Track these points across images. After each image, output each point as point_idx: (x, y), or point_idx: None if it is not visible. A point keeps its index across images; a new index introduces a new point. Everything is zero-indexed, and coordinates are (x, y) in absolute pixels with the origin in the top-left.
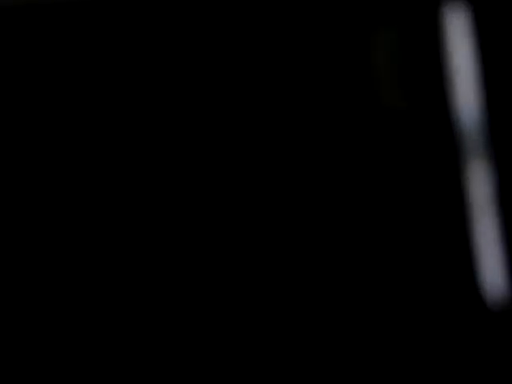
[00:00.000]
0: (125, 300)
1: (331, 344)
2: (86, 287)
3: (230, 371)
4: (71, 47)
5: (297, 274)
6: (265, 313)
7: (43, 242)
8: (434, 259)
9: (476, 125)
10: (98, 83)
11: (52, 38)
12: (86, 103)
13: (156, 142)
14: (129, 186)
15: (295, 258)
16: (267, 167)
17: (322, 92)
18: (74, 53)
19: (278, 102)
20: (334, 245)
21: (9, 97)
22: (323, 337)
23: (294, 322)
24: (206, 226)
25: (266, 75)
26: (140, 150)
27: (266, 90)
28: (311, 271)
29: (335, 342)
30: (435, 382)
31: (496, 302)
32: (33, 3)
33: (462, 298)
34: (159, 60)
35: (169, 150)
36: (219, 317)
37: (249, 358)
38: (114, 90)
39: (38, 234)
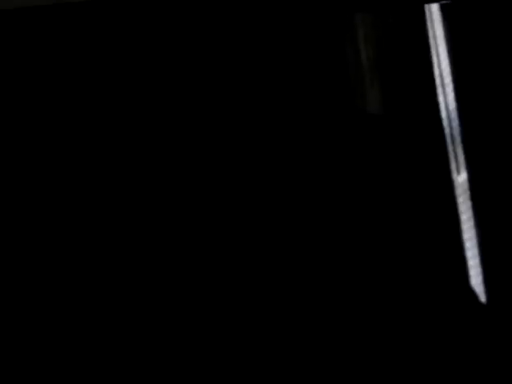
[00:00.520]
0: (125, 300)
1: (323, 341)
2: (86, 287)
3: (230, 371)
4: (71, 48)
5: (282, 273)
6: (264, 312)
7: (43, 241)
8: (424, 262)
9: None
10: (98, 83)
11: (52, 38)
12: (86, 103)
13: (156, 141)
14: (129, 186)
15: (280, 257)
16: (240, 170)
17: (285, 92)
18: (75, 53)
19: (242, 103)
20: (315, 247)
21: (9, 97)
22: (315, 334)
23: (282, 319)
24: (200, 225)
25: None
26: (140, 149)
27: (234, 90)
28: (298, 272)
29: (326, 340)
30: (428, 380)
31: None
32: (34, 5)
33: (452, 291)
34: (157, 61)
35: (168, 150)
36: (219, 317)
37: (249, 358)
38: (114, 90)
39: (37, 234)
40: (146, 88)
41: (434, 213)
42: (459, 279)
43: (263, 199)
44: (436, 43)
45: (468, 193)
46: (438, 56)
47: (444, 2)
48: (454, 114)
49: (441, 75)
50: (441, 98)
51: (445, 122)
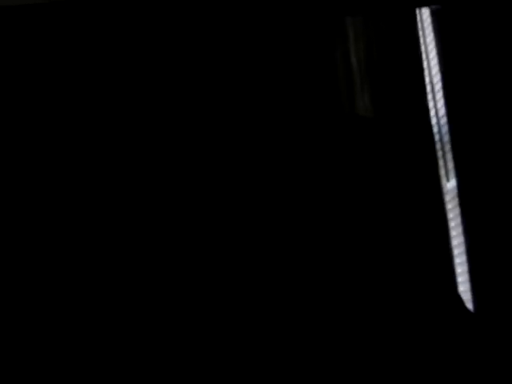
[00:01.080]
0: (125, 300)
1: (317, 342)
2: (86, 287)
3: (230, 371)
4: (71, 47)
5: (276, 273)
6: (263, 312)
7: (43, 241)
8: (411, 268)
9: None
10: (97, 83)
11: (52, 37)
12: (86, 103)
13: (155, 141)
14: (129, 186)
15: (268, 256)
16: (228, 172)
17: (276, 94)
18: (74, 53)
19: (234, 107)
20: (302, 251)
21: (9, 97)
22: (310, 334)
23: (279, 319)
24: (198, 225)
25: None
26: (140, 149)
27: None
28: (292, 273)
29: (317, 340)
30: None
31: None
32: (33, 3)
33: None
34: (155, 61)
35: (167, 150)
36: (219, 317)
37: (249, 358)
38: (113, 91)
39: (37, 234)
40: (144, 83)
41: (422, 219)
42: (447, 286)
43: (256, 199)
44: (426, 47)
45: (457, 199)
46: (428, 60)
47: (435, 6)
48: (444, 120)
49: (431, 81)
50: (431, 104)
51: (435, 128)
